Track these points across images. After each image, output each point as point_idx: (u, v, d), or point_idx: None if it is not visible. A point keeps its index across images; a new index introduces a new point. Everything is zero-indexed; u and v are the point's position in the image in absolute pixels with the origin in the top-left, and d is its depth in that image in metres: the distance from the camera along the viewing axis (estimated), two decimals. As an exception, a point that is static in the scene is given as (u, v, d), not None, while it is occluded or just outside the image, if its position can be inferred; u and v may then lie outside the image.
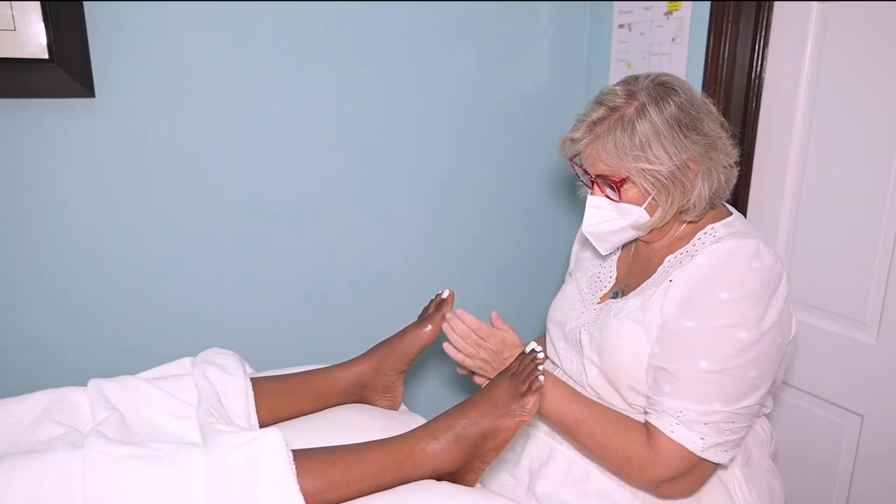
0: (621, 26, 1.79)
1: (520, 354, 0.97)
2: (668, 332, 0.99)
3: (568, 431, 1.05)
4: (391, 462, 0.87)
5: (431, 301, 1.19)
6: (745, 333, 0.94)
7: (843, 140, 1.42)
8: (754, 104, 1.56)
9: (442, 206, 1.84)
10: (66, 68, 1.30)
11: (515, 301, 2.00)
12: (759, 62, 1.54)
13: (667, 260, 1.05)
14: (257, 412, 1.03)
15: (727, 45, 1.54)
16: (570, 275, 1.30)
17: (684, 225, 1.08)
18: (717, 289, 0.95)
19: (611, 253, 1.21)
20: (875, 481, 1.47)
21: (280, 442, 0.80)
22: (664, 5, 1.67)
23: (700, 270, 0.98)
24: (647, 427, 1.00)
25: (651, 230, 1.06)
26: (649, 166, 0.98)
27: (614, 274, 1.19)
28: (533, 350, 0.94)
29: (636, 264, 1.16)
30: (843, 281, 1.46)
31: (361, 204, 1.72)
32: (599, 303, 1.15)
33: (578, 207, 1.52)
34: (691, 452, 0.96)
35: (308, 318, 1.73)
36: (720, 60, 1.55)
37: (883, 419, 1.43)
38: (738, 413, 0.96)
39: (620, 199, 1.03)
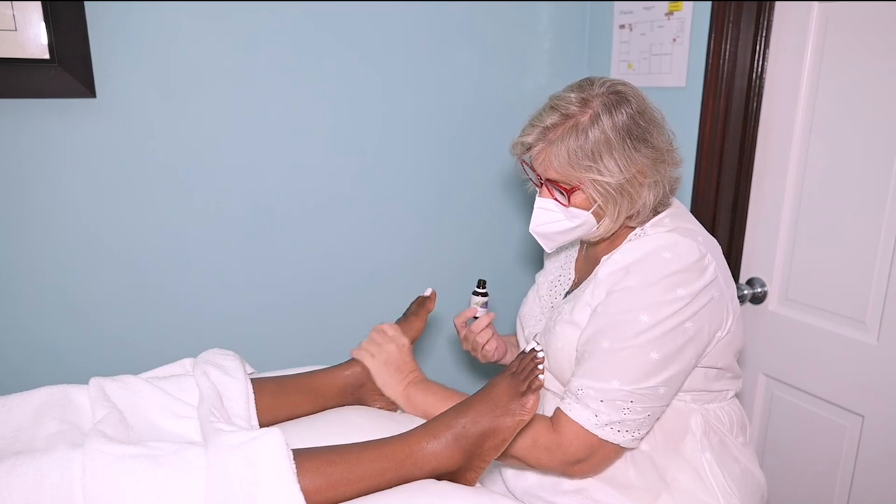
0: (622, 26, 1.79)
1: (520, 353, 0.97)
2: (588, 323, 1.03)
3: None
4: (391, 461, 0.87)
5: (413, 302, 1.26)
6: (646, 317, 0.96)
7: (843, 140, 1.42)
8: (755, 104, 1.56)
9: (442, 206, 1.84)
10: (67, 68, 1.30)
11: (515, 301, 1.99)
12: (760, 62, 1.54)
13: (602, 260, 1.07)
14: (257, 412, 1.03)
15: (728, 46, 1.54)
16: (535, 279, 1.33)
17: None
18: (629, 279, 0.99)
19: (570, 255, 1.25)
20: (876, 482, 1.46)
21: (280, 441, 0.80)
22: (665, 5, 1.67)
23: (616, 266, 1.02)
24: (554, 413, 1.02)
25: (598, 237, 1.09)
26: (600, 177, 1.00)
27: (573, 275, 1.22)
28: (533, 350, 0.95)
29: (586, 265, 1.19)
30: (843, 281, 1.46)
31: (361, 204, 1.73)
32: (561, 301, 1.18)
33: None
34: (587, 431, 0.97)
35: (308, 318, 1.73)
36: (721, 61, 1.55)
37: (884, 420, 1.43)
38: (638, 392, 0.96)
39: (569, 204, 1.05)
